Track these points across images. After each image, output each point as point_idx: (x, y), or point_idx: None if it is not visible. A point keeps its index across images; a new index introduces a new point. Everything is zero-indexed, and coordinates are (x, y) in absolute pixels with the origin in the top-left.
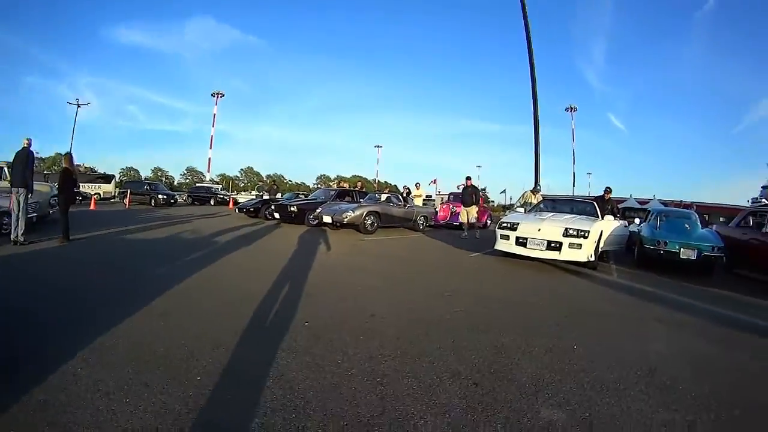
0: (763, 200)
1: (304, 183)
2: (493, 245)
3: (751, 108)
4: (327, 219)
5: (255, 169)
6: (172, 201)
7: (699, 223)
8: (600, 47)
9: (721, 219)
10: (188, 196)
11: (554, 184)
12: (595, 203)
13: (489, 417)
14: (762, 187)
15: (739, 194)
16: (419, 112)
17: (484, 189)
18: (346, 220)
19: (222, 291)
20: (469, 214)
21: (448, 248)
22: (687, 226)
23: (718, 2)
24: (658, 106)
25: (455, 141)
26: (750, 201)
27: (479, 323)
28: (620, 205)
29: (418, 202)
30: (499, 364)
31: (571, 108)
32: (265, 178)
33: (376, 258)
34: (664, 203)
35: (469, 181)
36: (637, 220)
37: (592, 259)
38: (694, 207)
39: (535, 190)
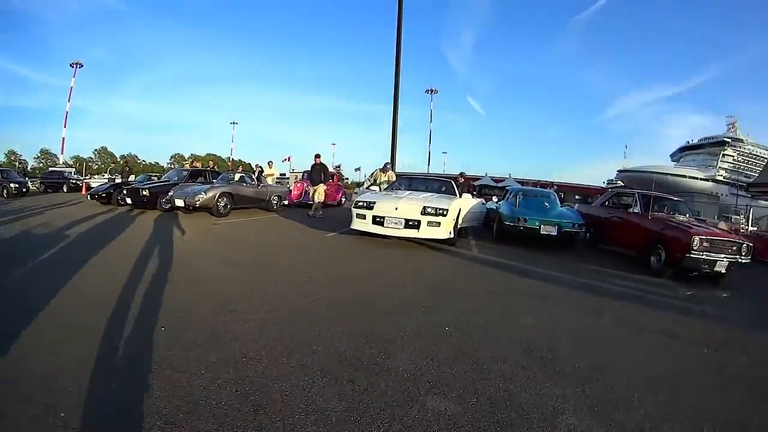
0: (619, 182)
1: (158, 163)
2: (350, 224)
3: (608, 105)
4: (179, 202)
5: (109, 150)
6: (24, 190)
7: (558, 202)
8: (470, 34)
9: (577, 197)
10: (41, 183)
11: (410, 162)
12: (452, 181)
13: (373, 417)
14: (618, 171)
15: (594, 176)
16: (277, 87)
17: (339, 167)
18: (198, 203)
19: (64, 296)
20: (317, 192)
21: (304, 228)
22: (546, 204)
23: (591, 12)
24: (518, 95)
25: (312, 118)
26: (606, 182)
27: (343, 310)
28: (476, 183)
29: (271, 181)
30: (371, 354)
31: (432, 90)
32: (118, 159)
33: (230, 243)
34: (520, 182)
35: (318, 159)
36: (494, 198)
37: (451, 236)
38: (554, 186)
39: (384, 169)
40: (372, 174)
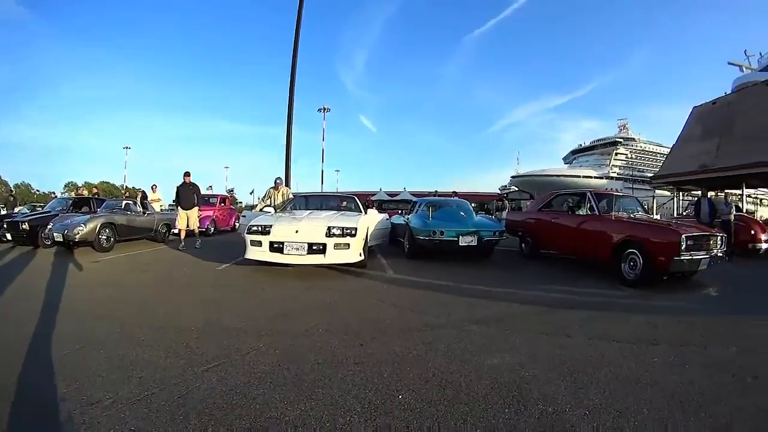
0: (513, 187)
1: (53, 193)
2: (244, 253)
3: (500, 116)
4: (58, 237)
5: (3, 178)
6: None
7: (473, 211)
8: (363, 53)
9: (473, 205)
10: None
11: (303, 184)
12: (356, 197)
13: None
14: (511, 176)
15: (489, 184)
16: (172, 111)
17: (232, 190)
18: (77, 236)
19: None
20: (189, 218)
21: (193, 261)
22: (462, 213)
23: (483, 31)
24: (410, 111)
25: (206, 143)
26: (500, 188)
27: (250, 388)
28: (372, 198)
29: (158, 207)
30: None
31: (325, 109)
32: (13, 189)
33: (105, 288)
34: (415, 194)
35: (187, 178)
36: (401, 211)
37: (362, 257)
38: (455, 195)
39: (276, 186)
40: (265, 194)
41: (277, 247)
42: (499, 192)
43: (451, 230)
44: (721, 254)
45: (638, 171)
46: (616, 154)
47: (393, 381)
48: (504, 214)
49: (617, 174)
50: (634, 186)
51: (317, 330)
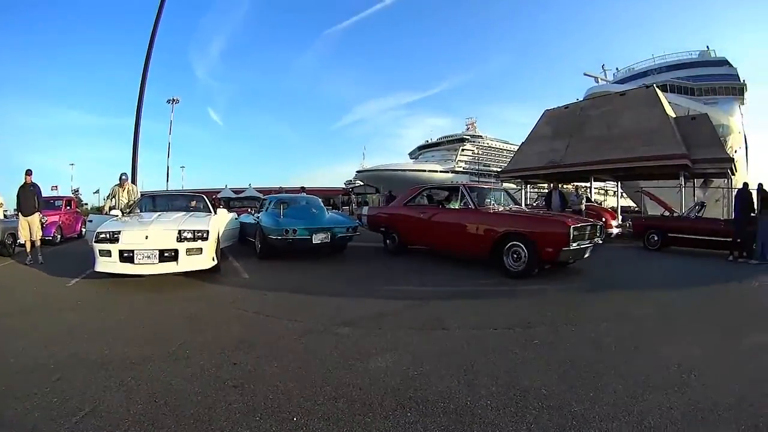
0: (358, 182)
1: None
2: (93, 265)
3: (348, 111)
4: None
5: None
6: None
7: (324, 207)
8: (219, 43)
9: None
10: None
11: (149, 181)
12: (204, 196)
13: None
14: (357, 171)
15: (335, 179)
16: (11, 100)
17: (77, 191)
18: None
19: None
20: (31, 226)
21: (39, 277)
22: (314, 210)
23: (343, 27)
24: (258, 104)
25: (49, 135)
26: (345, 183)
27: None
28: (218, 196)
29: (2, 213)
30: None
31: (174, 100)
32: None
33: None
34: (261, 191)
35: (28, 178)
36: (250, 210)
37: (215, 262)
38: (304, 191)
39: (122, 183)
40: (110, 192)
41: (127, 257)
42: (344, 186)
43: (304, 228)
44: (600, 241)
45: (484, 166)
46: (463, 149)
47: (281, 402)
48: (365, 209)
49: (463, 168)
50: (480, 179)
51: (185, 352)
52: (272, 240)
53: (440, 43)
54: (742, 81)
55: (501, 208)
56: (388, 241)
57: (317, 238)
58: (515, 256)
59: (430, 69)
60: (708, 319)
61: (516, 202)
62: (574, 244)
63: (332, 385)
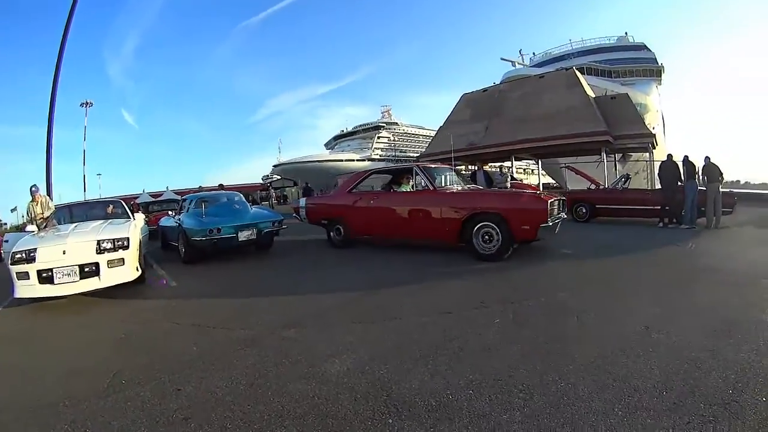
0: (275, 176)
1: None
2: (12, 291)
3: (263, 105)
4: None
5: None
6: None
7: (247, 202)
8: (134, 39)
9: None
10: None
11: (67, 193)
12: (122, 201)
13: None
14: (273, 165)
15: (252, 175)
16: None
17: None
18: None
19: None
20: None
21: None
22: (237, 206)
23: (257, 21)
24: (172, 103)
25: None
26: (262, 178)
27: None
28: (136, 201)
29: None
30: None
31: (87, 103)
32: None
33: None
34: (179, 192)
35: None
36: (171, 212)
37: (140, 272)
38: (222, 188)
39: (34, 197)
40: (26, 208)
41: (46, 277)
42: (262, 182)
43: (230, 226)
44: (565, 215)
45: (401, 152)
46: (378, 137)
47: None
48: (301, 201)
49: (379, 156)
50: (398, 165)
51: (122, 383)
52: (196, 242)
53: (354, 32)
54: (659, 64)
55: (459, 188)
56: (332, 233)
57: (243, 236)
58: (486, 237)
59: (344, 59)
60: (659, 281)
61: (468, 183)
62: (551, 220)
63: (293, 399)
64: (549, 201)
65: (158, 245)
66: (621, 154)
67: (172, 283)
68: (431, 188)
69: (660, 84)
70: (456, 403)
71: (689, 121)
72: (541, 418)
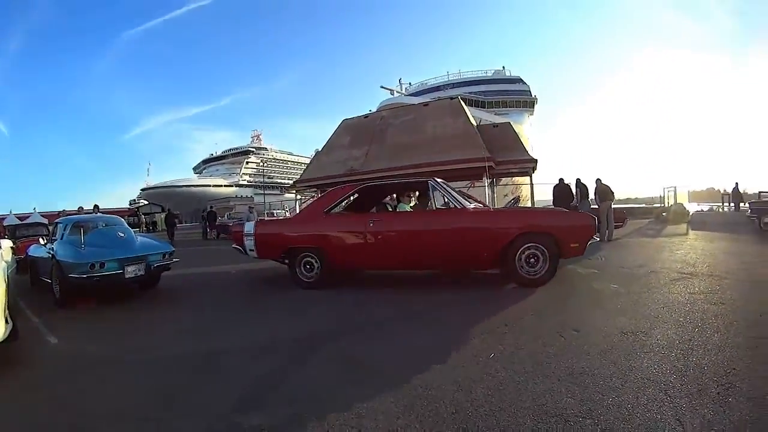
0: (142, 201)
1: None
2: None
3: (133, 126)
4: None
5: None
6: None
7: (131, 229)
8: (17, 43)
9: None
10: None
11: None
12: None
13: None
14: (141, 189)
15: (120, 199)
16: None
17: None
18: None
19: None
20: None
21: None
22: (121, 234)
23: (131, 35)
24: (45, 115)
25: None
26: (130, 202)
27: None
28: (3, 223)
29: None
30: None
31: None
32: None
33: None
34: (45, 215)
35: None
36: (42, 240)
37: (10, 325)
38: (98, 210)
39: None
40: None
41: None
42: (129, 206)
43: (114, 260)
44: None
45: (268, 178)
46: (247, 162)
47: None
48: (250, 226)
49: (247, 181)
50: (265, 192)
51: None
52: (75, 279)
53: (234, 53)
54: (533, 96)
55: (488, 207)
56: (297, 269)
57: (130, 272)
58: (533, 260)
59: (220, 80)
60: (600, 289)
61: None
62: (596, 236)
63: None
64: (594, 217)
65: (27, 280)
66: (490, 179)
67: (50, 338)
68: (460, 206)
69: (532, 114)
70: None
71: (567, 146)
72: None
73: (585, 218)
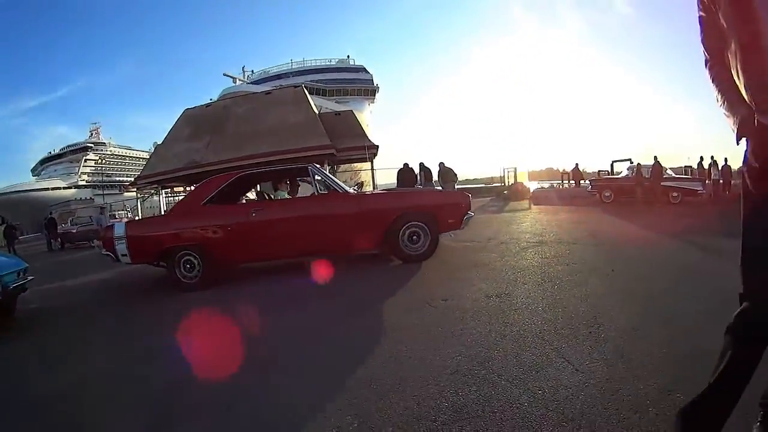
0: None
1: None
2: None
3: None
4: None
5: None
6: None
7: None
8: None
9: None
10: None
11: None
12: None
13: None
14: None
15: None
16: None
17: None
18: None
19: None
20: None
21: None
22: None
23: None
24: None
25: None
26: None
27: None
28: None
29: None
30: None
31: None
32: None
33: None
34: None
35: None
36: None
37: None
38: None
39: None
40: None
41: None
42: None
43: None
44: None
45: (107, 176)
46: (86, 160)
47: None
48: (120, 228)
49: (86, 181)
50: (105, 192)
51: None
52: None
53: (72, 38)
54: (375, 84)
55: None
56: (177, 271)
57: None
58: (414, 237)
59: (58, 67)
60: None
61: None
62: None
63: None
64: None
65: None
66: (330, 166)
67: None
68: (340, 191)
69: (373, 102)
70: None
71: (415, 133)
72: None
73: (461, 196)
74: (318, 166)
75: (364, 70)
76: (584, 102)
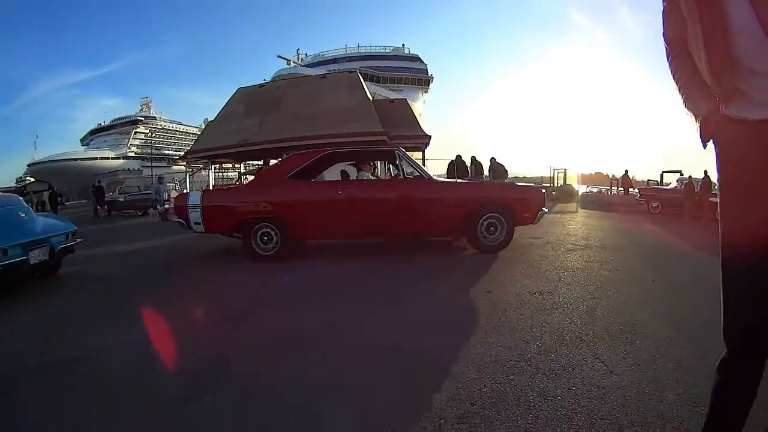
0: (29, 177)
1: None
2: None
3: (16, 94)
4: None
5: None
6: None
7: (29, 208)
8: None
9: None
10: None
11: None
12: None
13: None
14: (28, 165)
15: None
16: None
17: None
18: None
19: None
20: None
21: None
22: (22, 214)
23: None
24: None
25: None
26: (16, 180)
27: None
28: None
29: None
30: None
31: None
32: None
33: None
34: None
35: None
36: None
37: None
38: None
39: None
40: None
41: None
42: (16, 185)
43: (16, 245)
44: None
45: (156, 149)
46: (136, 132)
47: None
48: (196, 197)
49: (135, 153)
50: (153, 164)
51: None
52: None
53: (113, 15)
54: (430, 75)
55: (442, 180)
56: (253, 242)
57: (36, 257)
58: (492, 228)
59: (107, 41)
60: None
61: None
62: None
63: None
64: (543, 191)
65: None
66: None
67: None
68: (426, 177)
69: (426, 92)
70: None
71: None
72: None
73: (538, 192)
74: (404, 150)
75: (419, 59)
76: (642, 109)
